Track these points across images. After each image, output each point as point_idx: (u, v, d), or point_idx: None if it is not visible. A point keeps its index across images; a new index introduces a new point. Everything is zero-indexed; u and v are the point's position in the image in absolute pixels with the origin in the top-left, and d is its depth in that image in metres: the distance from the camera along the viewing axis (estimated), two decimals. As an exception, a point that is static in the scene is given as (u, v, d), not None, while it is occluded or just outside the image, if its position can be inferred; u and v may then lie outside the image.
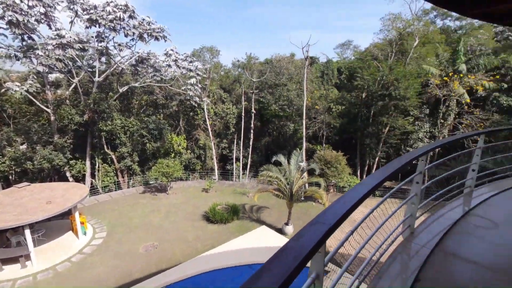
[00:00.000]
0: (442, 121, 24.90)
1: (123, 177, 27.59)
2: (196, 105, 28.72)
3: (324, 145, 31.08)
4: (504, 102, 23.16)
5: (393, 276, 2.49)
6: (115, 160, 26.95)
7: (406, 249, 2.80)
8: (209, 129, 29.73)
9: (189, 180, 28.98)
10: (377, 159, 27.50)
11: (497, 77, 22.90)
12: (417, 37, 25.52)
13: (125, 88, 27.20)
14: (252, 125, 29.74)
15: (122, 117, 26.11)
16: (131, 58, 25.88)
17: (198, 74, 25.82)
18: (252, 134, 30.15)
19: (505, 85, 23.37)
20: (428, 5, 44.10)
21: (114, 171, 27.23)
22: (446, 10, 43.70)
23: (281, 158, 16.45)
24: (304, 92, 25.17)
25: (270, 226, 17.64)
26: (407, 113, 25.50)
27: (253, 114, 29.54)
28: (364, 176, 28.69)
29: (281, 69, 30.63)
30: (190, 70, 25.58)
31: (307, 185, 20.95)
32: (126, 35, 23.35)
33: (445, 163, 21.66)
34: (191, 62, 25.68)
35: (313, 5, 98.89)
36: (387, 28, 26.92)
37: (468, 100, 22.40)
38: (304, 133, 26.23)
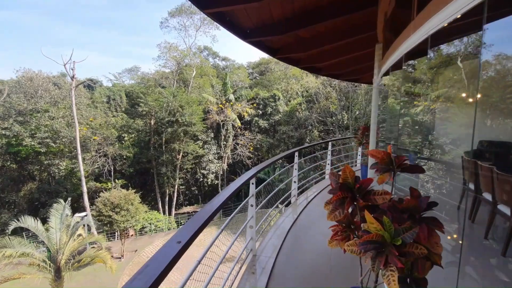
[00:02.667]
0: (224, 142, 28.33)
1: None
2: None
3: (116, 181, 26.22)
4: (262, 125, 30.04)
5: None
6: None
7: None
8: None
9: None
10: (176, 187, 26.62)
11: (255, 105, 29.28)
12: (194, 68, 27.79)
13: None
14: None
15: None
16: None
17: None
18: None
19: (260, 112, 30.46)
20: (201, 43, 51.19)
21: None
22: (216, 51, 52.20)
23: (29, 222, 10.76)
24: (75, 120, 19.68)
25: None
26: (196, 137, 26.77)
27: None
28: (166, 207, 26.87)
29: (38, 89, 22.66)
30: None
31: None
32: None
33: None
34: None
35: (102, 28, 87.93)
36: (164, 56, 27.35)
37: (239, 124, 26.86)
38: (82, 172, 20.39)
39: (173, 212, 27.00)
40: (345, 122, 26.56)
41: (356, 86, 25.18)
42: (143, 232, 21.71)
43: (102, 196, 17.93)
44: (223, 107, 25.07)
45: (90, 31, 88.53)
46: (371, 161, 4.42)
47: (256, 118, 30.14)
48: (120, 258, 17.23)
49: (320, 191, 5.67)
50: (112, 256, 15.85)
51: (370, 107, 25.49)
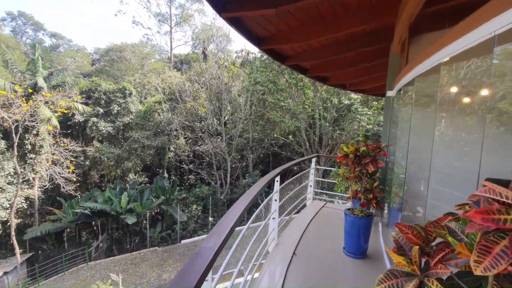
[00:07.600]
0: (33, 156, 17.63)
1: None
2: None
3: None
4: (103, 128, 21.13)
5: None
6: None
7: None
8: None
9: None
10: None
11: (81, 97, 19.37)
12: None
13: None
14: None
15: None
16: None
17: None
18: None
19: (101, 110, 21.43)
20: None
21: None
22: (40, 21, 37.19)
23: None
24: None
25: None
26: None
27: None
28: None
29: None
30: None
31: None
32: None
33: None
34: None
35: None
36: None
37: (51, 128, 17.08)
38: None
39: None
40: (216, 128, 22.07)
41: (230, 86, 21.23)
42: None
43: None
44: (16, 98, 14.53)
45: None
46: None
47: (95, 119, 20.94)
48: None
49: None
50: None
51: (246, 109, 22.17)
